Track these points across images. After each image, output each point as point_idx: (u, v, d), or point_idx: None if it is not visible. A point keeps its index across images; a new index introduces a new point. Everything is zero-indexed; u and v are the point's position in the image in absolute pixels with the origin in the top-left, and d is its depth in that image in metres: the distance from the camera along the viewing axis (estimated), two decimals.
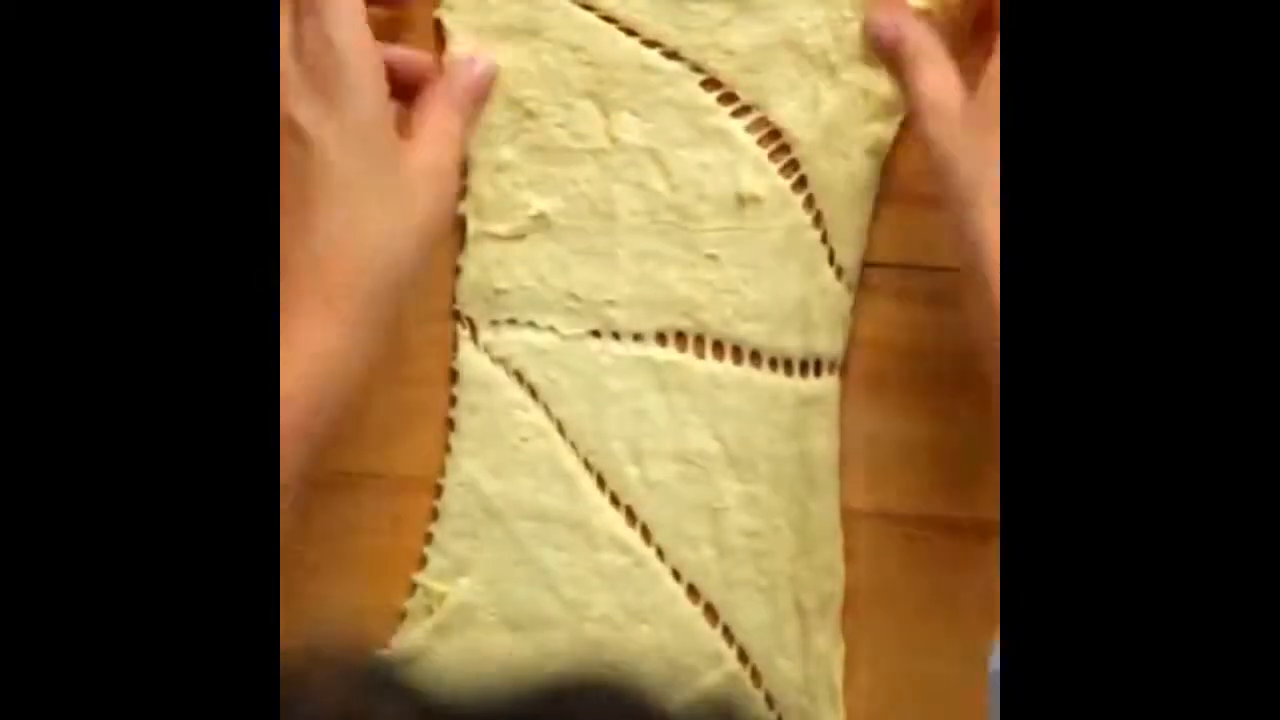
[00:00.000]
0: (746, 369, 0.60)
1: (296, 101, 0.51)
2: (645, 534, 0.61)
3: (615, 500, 0.61)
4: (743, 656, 0.60)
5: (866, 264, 0.60)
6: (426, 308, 0.61)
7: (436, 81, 0.56)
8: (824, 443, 0.59)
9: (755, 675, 0.60)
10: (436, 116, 0.55)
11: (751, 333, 0.60)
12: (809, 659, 0.60)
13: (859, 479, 0.59)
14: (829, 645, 0.60)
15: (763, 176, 0.59)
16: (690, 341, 0.61)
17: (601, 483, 0.61)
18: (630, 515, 0.61)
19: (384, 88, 0.53)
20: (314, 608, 0.60)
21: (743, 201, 0.59)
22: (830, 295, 0.59)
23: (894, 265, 0.60)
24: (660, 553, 0.61)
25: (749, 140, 0.60)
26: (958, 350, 0.60)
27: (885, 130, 0.59)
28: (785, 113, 0.59)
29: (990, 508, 0.56)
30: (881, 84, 0.59)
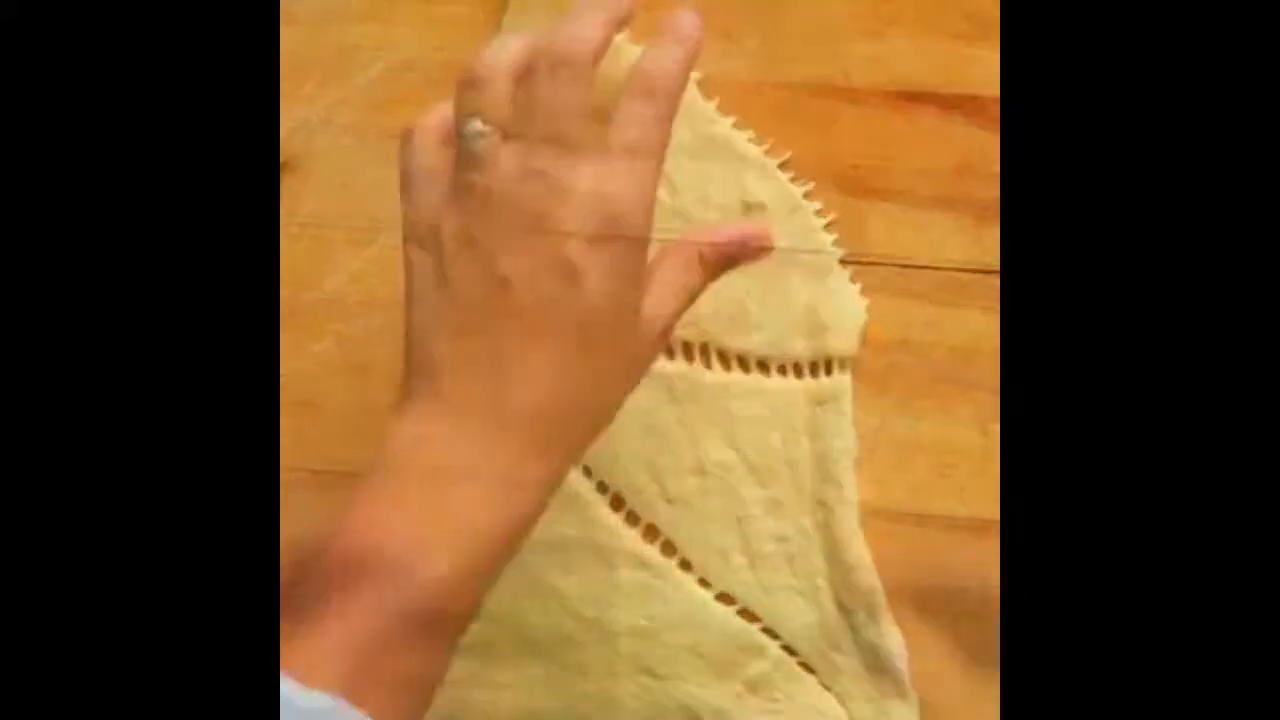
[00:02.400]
0: (756, 377, 0.60)
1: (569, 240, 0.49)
2: (669, 549, 0.60)
3: (634, 518, 0.60)
4: (790, 652, 0.60)
5: (867, 264, 0.60)
6: None
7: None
8: (840, 441, 0.59)
9: (807, 667, 0.60)
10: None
11: (758, 344, 0.60)
12: (866, 651, 0.59)
13: (859, 479, 0.59)
14: (884, 638, 0.59)
15: (767, 182, 0.59)
16: (696, 350, 0.60)
17: (619, 502, 0.61)
18: (651, 531, 0.60)
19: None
20: None
21: (748, 208, 0.59)
22: (842, 294, 0.59)
23: (894, 265, 0.60)
24: (687, 565, 0.60)
25: (751, 149, 0.59)
26: (958, 350, 0.60)
27: None
28: None
29: (990, 507, 0.56)
30: None
